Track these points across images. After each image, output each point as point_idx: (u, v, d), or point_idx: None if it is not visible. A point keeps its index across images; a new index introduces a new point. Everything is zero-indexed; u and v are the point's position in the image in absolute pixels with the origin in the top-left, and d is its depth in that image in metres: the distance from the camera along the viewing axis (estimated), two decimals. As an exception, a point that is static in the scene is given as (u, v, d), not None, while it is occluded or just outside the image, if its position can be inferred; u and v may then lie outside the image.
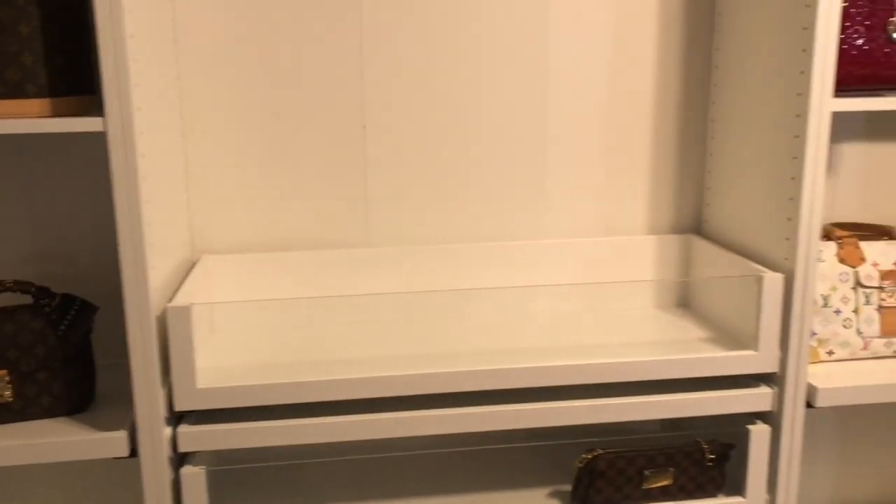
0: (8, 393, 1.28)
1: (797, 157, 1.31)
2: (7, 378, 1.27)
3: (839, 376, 1.44)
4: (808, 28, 1.26)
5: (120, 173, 1.15)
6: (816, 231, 1.33)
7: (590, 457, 1.39)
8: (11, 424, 1.28)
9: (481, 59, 1.56)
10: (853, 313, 1.50)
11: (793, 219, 1.33)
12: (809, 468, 1.84)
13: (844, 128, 1.68)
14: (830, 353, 1.51)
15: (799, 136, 1.30)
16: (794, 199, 1.32)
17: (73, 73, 1.22)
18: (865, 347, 1.51)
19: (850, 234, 1.55)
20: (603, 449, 1.39)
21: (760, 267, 1.39)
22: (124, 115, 1.13)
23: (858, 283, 1.51)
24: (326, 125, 1.55)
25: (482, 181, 1.61)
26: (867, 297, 1.51)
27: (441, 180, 1.60)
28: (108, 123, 1.13)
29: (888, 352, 1.52)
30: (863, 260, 1.52)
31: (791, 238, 1.34)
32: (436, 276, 1.60)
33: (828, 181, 1.68)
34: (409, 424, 1.32)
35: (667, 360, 1.35)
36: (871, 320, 1.51)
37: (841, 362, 1.51)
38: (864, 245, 1.54)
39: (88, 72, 1.24)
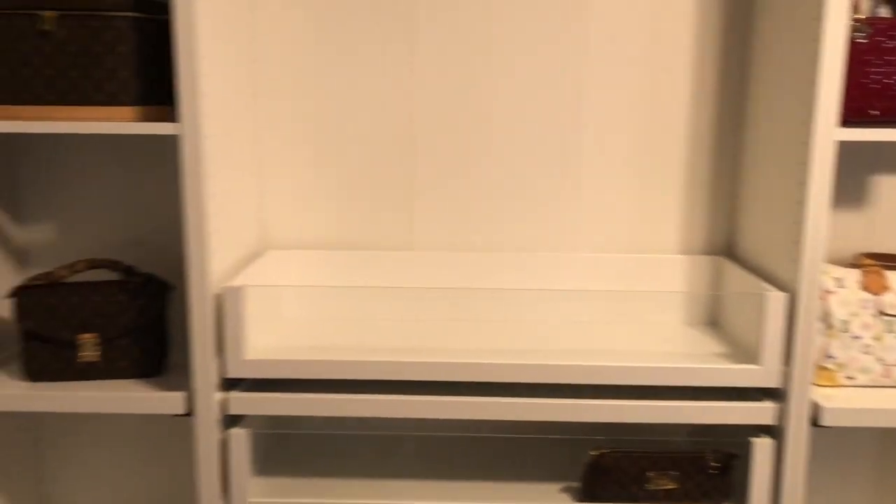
0: (96, 353, 1.51)
1: (802, 183, 1.38)
2: (95, 341, 1.51)
3: (853, 399, 1.48)
4: (815, 61, 1.34)
5: (189, 171, 1.37)
6: (820, 253, 1.39)
7: (596, 454, 1.49)
8: (95, 381, 1.52)
9: (522, 80, 1.70)
10: (874, 340, 1.54)
11: (798, 242, 1.40)
12: (840, 487, 1.85)
13: (885, 161, 1.71)
14: (850, 377, 1.54)
15: (804, 163, 1.37)
16: (798, 223, 1.39)
17: (160, 86, 1.45)
18: (886, 375, 1.54)
19: (876, 263, 1.58)
20: (609, 448, 1.49)
21: (768, 286, 1.46)
22: (195, 122, 1.35)
23: (881, 311, 1.54)
24: (380, 138, 1.73)
25: (521, 195, 1.74)
26: (889, 325, 1.54)
27: (482, 192, 1.74)
28: (181, 128, 1.35)
29: (909, 380, 1.54)
30: (886, 288, 1.55)
31: (796, 260, 1.41)
32: (473, 280, 1.74)
33: (864, 212, 1.72)
34: (440, 407, 1.45)
35: (672, 368, 1.44)
36: (892, 348, 1.53)
37: (862, 388, 1.54)
38: (890, 274, 1.57)
39: (172, 85, 1.48)
